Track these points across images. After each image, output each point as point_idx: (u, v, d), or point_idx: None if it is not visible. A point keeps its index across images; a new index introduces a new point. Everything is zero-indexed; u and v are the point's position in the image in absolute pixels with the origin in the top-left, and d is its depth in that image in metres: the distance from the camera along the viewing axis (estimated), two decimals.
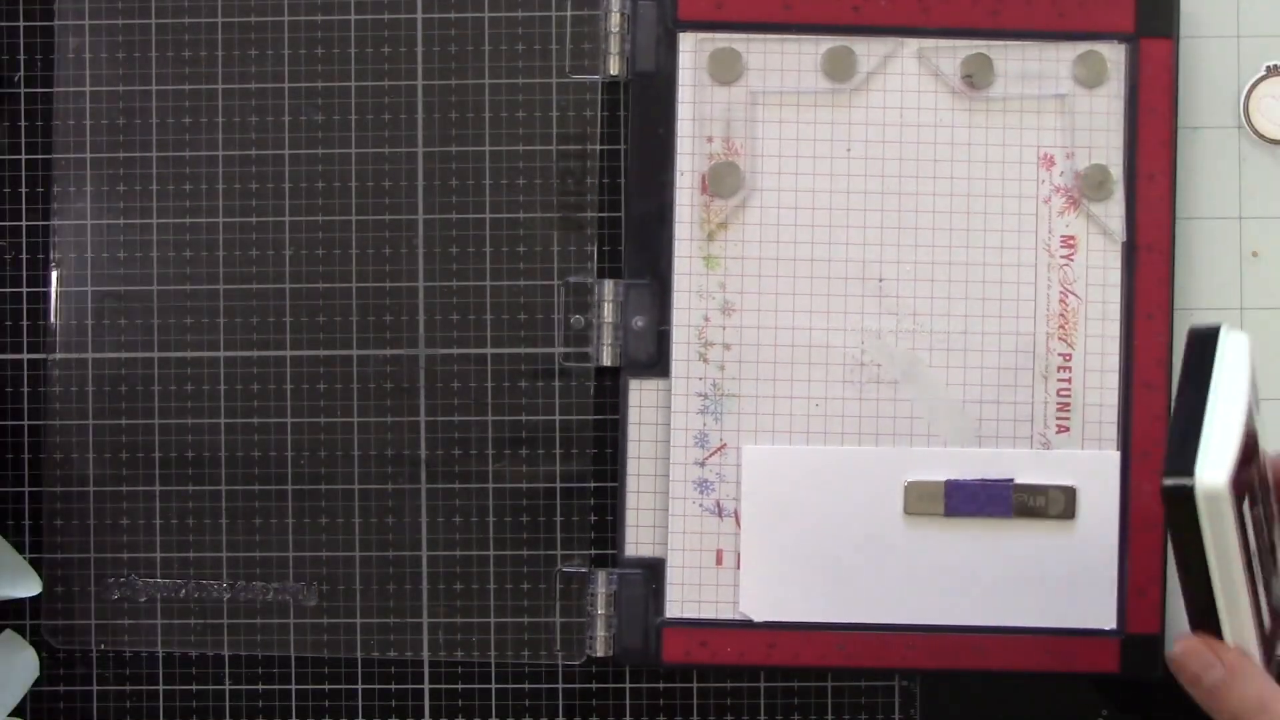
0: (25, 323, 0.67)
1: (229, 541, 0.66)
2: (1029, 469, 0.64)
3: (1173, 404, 0.60)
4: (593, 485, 0.66)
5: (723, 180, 0.65)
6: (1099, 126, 0.65)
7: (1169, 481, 0.50)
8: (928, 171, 0.65)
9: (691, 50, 0.65)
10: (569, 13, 0.66)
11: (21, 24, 0.67)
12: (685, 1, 0.65)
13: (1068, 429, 0.65)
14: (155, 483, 0.66)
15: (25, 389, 0.67)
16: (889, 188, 0.65)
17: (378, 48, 0.66)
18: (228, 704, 0.67)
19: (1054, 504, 0.64)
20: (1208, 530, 0.50)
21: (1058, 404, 0.65)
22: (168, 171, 0.67)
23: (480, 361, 0.66)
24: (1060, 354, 0.65)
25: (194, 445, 0.66)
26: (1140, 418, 0.64)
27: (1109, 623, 0.64)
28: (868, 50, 0.65)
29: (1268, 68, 0.66)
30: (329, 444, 0.66)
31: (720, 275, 0.65)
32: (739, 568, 0.65)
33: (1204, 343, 0.53)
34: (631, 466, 0.65)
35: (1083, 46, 0.64)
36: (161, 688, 0.67)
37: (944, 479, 0.64)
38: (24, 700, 0.66)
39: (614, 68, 0.66)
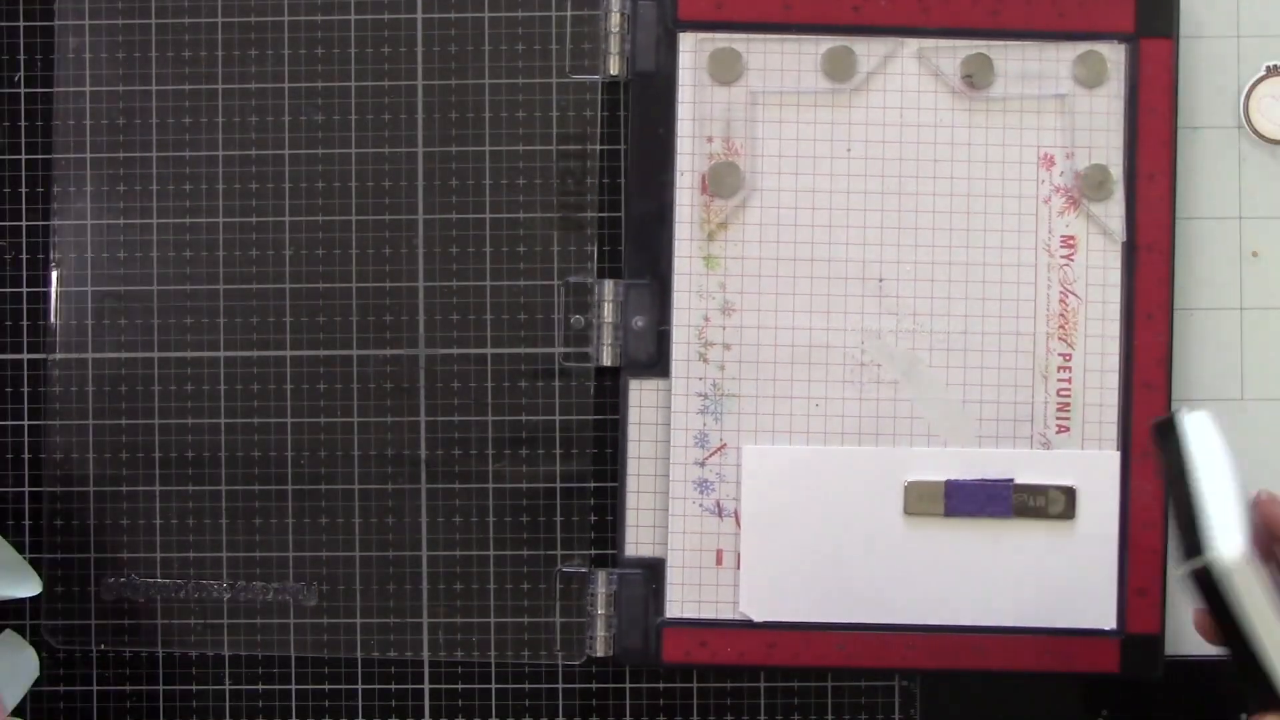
0: (25, 323, 0.67)
1: (229, 541, 0.66)
2: (1029, 469, 0.64)
3: (1167, 498, 0.60)
4: (593, 485, 0.66)
5: (723, 180, 0.65)
6: (1099, 126, 0.65)
7: (1190, 567, 0.50)
8: (928, 171, 0.65)
9: (691, 50, 0.65)
10: (569, 13, 0.66)
11: (21, 24, 0.67)
12: (685, 1, 0.65)
13: (1068, 429, 0.65)
14: (155, 483, 0.66)
15: (25, 389, 0.67)
16: (889, 188, 0.65)
17: (378, 48, 0.66)
18: (228, 704, 0.67)
19: (1054, 504, 0.64)
20: (1243, 599, 0.50)
21: (1058, 404, 0.65)
22: (168, 171, 0.67)
23: (480, 361, 0.66)
24: (1060, 354, 0.65)
25: (194, 445, 0.66)
26: (1140, 418, 0.64)
27: (1109, 623, 0.64)
28: (868, 50, 0.65)
29: (1268, 68, 0.66)
30: (329, 444, 0.66)
31: (720, 275, 0.65)
32: (739, 568, 0.65)
33: (1167, 432, 0.53)
34: (631, 466, 0.65)
35: (1083, 46, 0.64)
36: (161, 688, 0.67)
37: (944, 479, 0.64)
38: (24, 700, 0.66)
39: (614, 68, 0.66)
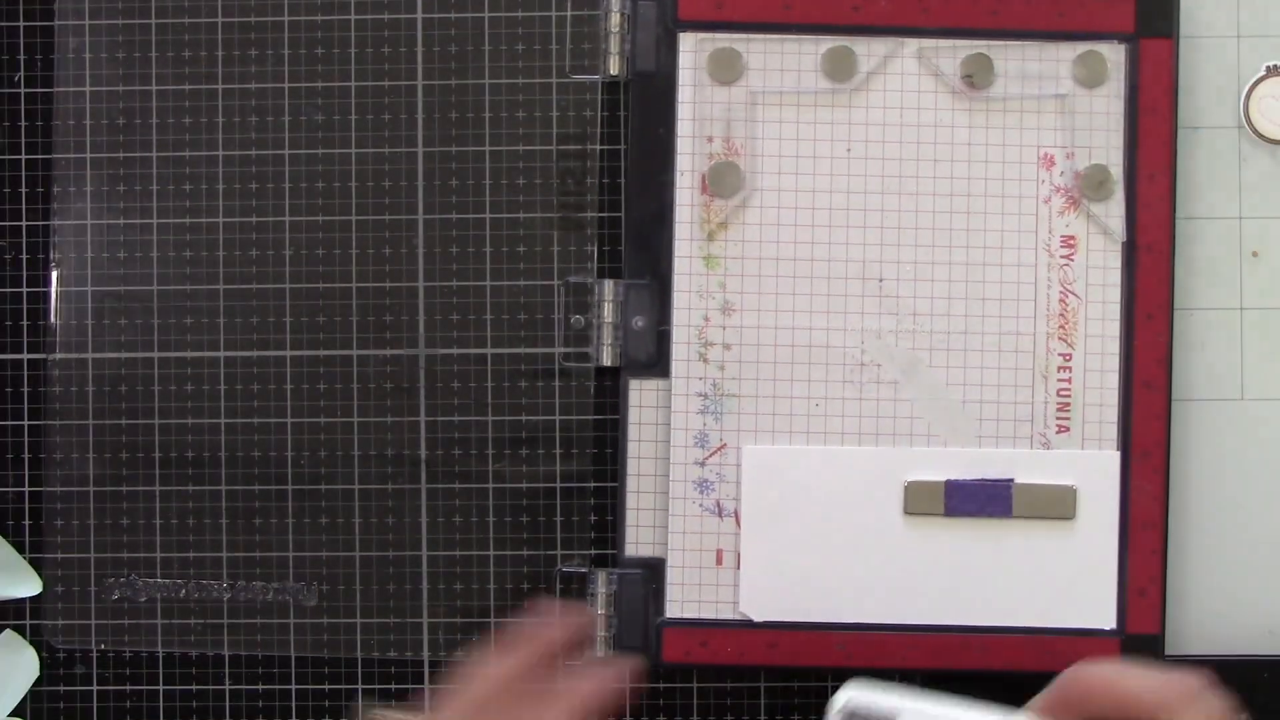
0: (25, 323, 0.67)
1: (229, 541, 0.66)
2: (1029, 469, 0.64)
3: None
4: (593, 485, 0.66)
5: (723, 180, 0.65)
6: (1099, 126, 0.65)
7: None
8: (928, 171, 0.65)
9: (691, 50, 0.65)
10: (569, 13, 0.66)
11: (21, 24, 0.67)
12: (685, 1, 0.65)
13: (1068, 429, 0.65)
14: (155, 483, 0.66)
15: (25, 389, 0.67)
16: (889, 188, 0.65)
17: (378, 48, 0.66)
18: (228, 704, 0.67)
19: (1054, 504, 0.64)
20: None
21: (1058, 404, 0.65)
22: (168, 171, 0.67)
23: (480, 361, 0.66)
24: (1060, 354, 0.65)
25: (194, 445, 0.66)
26: (1140, 417, 0.64)
27: (1109, 623, 0.64)
28: (868, 50, 0.65)
29: (1268, 68, 0.66)
30: (329, 444, 0.66)
31: (720, 275, 0.65)
32: (739, 568, 0.65)
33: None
34: (631, 466, 0.65)
35: (1083, 46, 0.64)
36: (161, 688, 0.67)
37: (944, 479, 0.64)
38: (24, 700, 0.66)
39: (614, 68, 0.66)
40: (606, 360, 0.66)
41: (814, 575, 0.64)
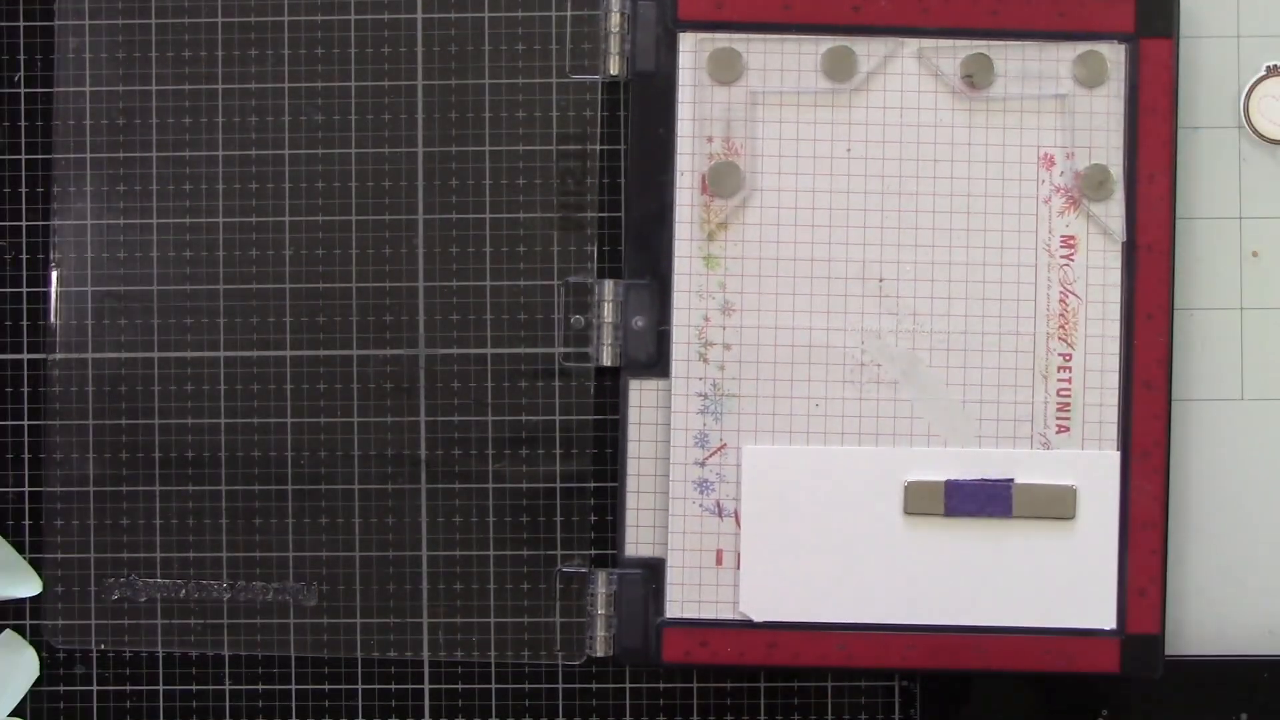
0: (25, 323, 0.67)
1: (229, 541, 0.66)
2: (1029, 469, 0.64)
3: None
4: (593, 485, 0.66)
5: (723, 180, 0.65)
6: (1099, 126, 0.65)
7: None
8: (928, 171, 0.65)
9: (691, 50, 0.65)
10: (569, 13, 0.66)
11: (21, 24, 0.67)
12: (685, 1, 0.65)
13: (1068, 429, 0.65)
14: (155, 483, 0.66)
15: (25, 389, 0.67)
16: (889, 188, 0.65)
17: (378, 48, 0.66)
18: (228, 704, 0.67)
19: (1054, 504, 0.64)
20: None
21: (1058, 404, 0.65)
22: (168, 171, 0.67)
23: (480, 361, 0.66)
24: (1060, 354, 0.65)
25: (194, 445, 0.66)
26: (1140, 417, 0.64)
27: (1109, 623, 0.64)
28: (868, 50, 0.65)
29: (1268, 68, 0.66)
30: (329, 444, 0.66)
31: (720, 275, 0.65)
32: (739, 568, 0.65)
33: None
34: (631, 466, 0.65)
35: (1083, 46, 0.64)
36: (161, 688, 0.67)
37: (944, 479, 0.64)
38: (24, 700, 0.66)
39: (614, 68, 0.66)
40: (606, 360, 0.66)
41: (814, 575, 0.64)
